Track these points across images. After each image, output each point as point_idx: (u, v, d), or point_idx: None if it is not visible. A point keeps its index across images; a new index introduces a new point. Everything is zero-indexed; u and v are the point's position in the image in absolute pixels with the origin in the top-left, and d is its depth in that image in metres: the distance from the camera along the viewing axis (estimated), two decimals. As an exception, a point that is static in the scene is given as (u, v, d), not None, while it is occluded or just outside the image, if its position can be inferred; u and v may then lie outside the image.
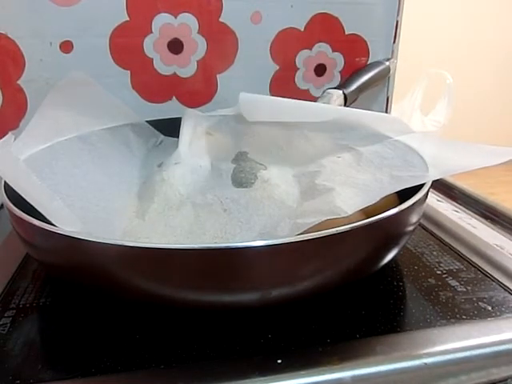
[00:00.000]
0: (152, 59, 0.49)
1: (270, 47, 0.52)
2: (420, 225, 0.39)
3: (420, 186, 0.29)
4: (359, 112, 0.39)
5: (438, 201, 0.46)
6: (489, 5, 2.09)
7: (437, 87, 1.43)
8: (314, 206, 0.30)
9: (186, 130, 0.42)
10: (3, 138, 0.30)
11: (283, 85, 0.53)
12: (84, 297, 0.30)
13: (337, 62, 0.54)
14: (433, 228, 0.39)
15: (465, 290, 0.30)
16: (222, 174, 0.35)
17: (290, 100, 0.39)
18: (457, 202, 0.46)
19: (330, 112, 0.39)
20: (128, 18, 0.47)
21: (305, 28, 0.52)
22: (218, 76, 0.51)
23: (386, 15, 0.53)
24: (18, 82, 0.46)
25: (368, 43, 0.54)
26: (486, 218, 0.42)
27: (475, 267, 0.33)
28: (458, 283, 0.31)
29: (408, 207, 0.27)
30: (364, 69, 0.53)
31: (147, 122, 0.46)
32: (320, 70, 0.54)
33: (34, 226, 0.25)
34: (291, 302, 0.27)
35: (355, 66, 0.54)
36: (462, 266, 0.33)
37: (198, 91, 0.51)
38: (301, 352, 0.25)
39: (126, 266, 0.25)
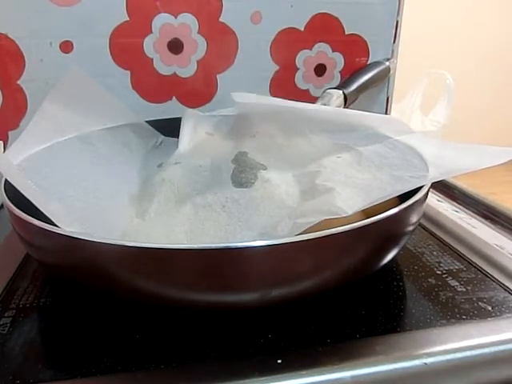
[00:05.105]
0: (152, 59, 0.49)
1: (270, 47, 0.52)
2: (420, 225, 0.39)
3: (420, 186, 0.29)
4: (359, 114, 0.39)
5: (438, 201, 0.46)
6: (489, 5, 2.09)
7: (437, 87, 1.43)
8: (314, 206, 0.30)
9: (186, 130, 0.42)
10: None
11: (283, 85, 0.53)
12: (84, 297, 0.30)
13: (337, 61, 0.54)
14: (433, 228, 0.39)
15: (465, 290, 0.30)
16: (222, 174, 0.35)
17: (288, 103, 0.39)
18: (457, 202, 0.46)
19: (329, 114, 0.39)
20: (128, 18, 0.47)
21: (305, 28, 0.52)
22: (217, 76, 0.51)
23: (386, 15, 0.53)
24: (18, 82, 0.46)
25: (368, 43, 0.54)
26: (486, 218, 0.42)
27: (475, 267, 0.33)
28: (458, 283, 0.31)
29: (408, 207, 0.27)
30: (364, 69, 0.53)
31: (147, 122, 0.46)
32: (320, 69, 0.54)
33: (34, 226, 0.25)
34: (291, 302, 0.27)
35: (355, 66, 0.54)
36: (461, 266, 0.33)
37: (198, 91, 0.51)
38: (301, 352, 0.25)
39: (126, 266, 0.25)
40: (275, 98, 0.41)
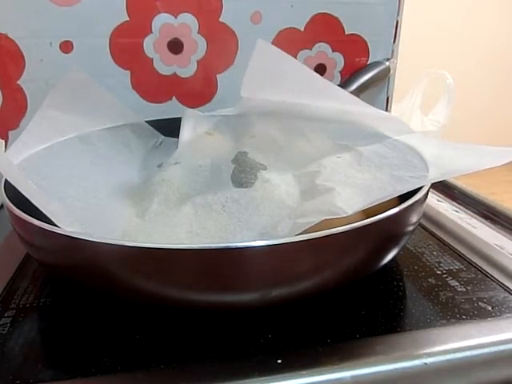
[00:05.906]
0: (152, 59, 0.49)
1: (270, 47, 0.52)
2: (420, 225, 0.39)
3: (420, 186, 0.29)
4: (360, 108, 0.39)
5: (438, 201, 0.46)
6: (489, 5, 2.09)
7: (437, 87, 1.43)
8: (314, 206, 0.30)
9: (186, 130, 0.42)
10: None
11: (283, 85, 0.53)
12: (84, 297, 0.30)
13: (337, 62, 0.54)
14: (433, 228, 0.39)
15: (465, 290, 0.30)
16: (222, 174, 0.35)
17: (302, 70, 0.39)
18: (457, 202, 0.46)
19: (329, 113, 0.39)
20: (128, 18, 0.47)
21: (305, 28, 0.52)
22: (217, 76, 0.51)
23: (386, 15, 0.53)
24: (18, 82, 0.46)
25: (368, 43, 0.54)
26: (486, 218, 0.42)
27: (475, 267, 0.33)
28: (458, 283, 0.31)
29: (408, 207, 0.27)
30: (364, 69, 0.53)
31: (147, 122, 0.46)
32: (320, 69, 0.54)
33: (34, 226, 0.25)
34: (291, 302, 0.27)
35: (355, 66, 0.54)
36: (461, 266, 0.33)
37: (198, 91, 0.51)
38: (301, 352, 0.25)
39: (126, 266, 0.25)
40: (290, 62, 0.40)
